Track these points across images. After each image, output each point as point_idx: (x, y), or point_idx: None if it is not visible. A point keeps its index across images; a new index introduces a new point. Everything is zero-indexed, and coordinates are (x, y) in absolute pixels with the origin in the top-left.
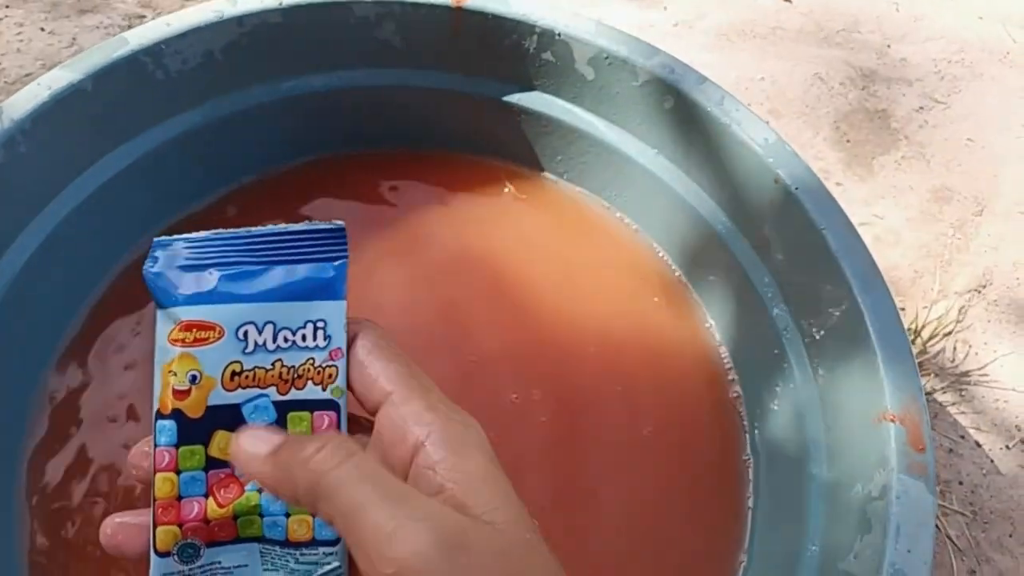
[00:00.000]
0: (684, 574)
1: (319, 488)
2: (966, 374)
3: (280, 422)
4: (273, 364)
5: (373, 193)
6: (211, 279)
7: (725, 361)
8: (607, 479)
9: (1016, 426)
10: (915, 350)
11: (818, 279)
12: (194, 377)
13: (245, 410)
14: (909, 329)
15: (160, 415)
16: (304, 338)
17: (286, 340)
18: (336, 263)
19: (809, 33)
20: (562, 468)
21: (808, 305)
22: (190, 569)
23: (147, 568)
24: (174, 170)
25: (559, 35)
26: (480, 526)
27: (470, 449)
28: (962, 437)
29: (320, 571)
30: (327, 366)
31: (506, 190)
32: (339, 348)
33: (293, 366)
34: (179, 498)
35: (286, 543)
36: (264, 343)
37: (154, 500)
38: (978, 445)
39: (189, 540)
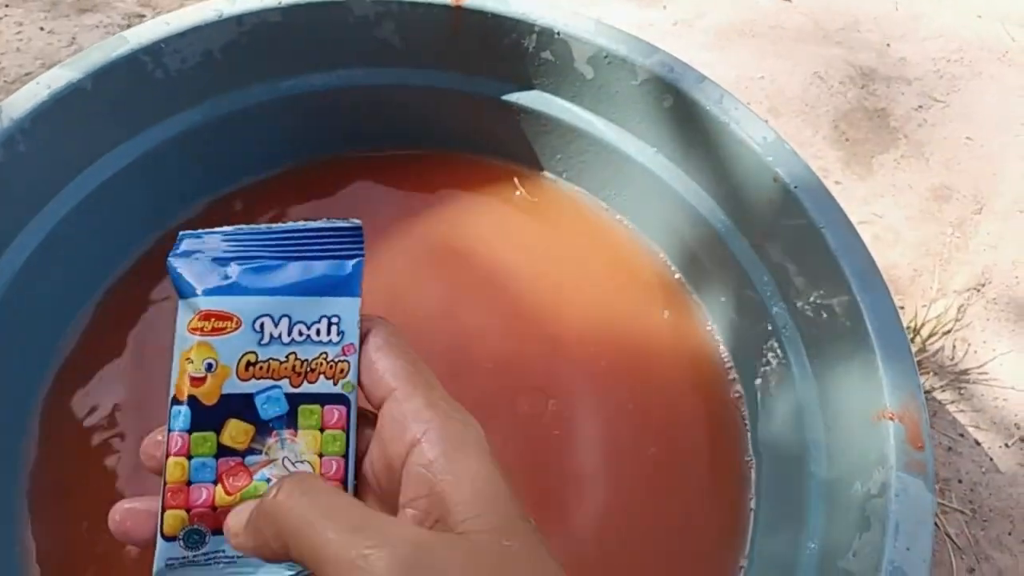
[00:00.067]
0: (685, 574)
1: (283, 532)
2: (965, 372)
3: (292, 414)
4: (287, 357)
5: (372, 193)
6: (232, 272)
7: (725, 361)
8: (607, 480)
9: (1015, 424)
10: (914, 348)
11: (817, 278)
12: (210, 365)
13: (258, 400)
14: (908, 327)
15: (176, 400)
16: (318, 332)
17: (301, 334)
18: (353, 261)
19: (808, 32)
20: (561, 469)
21: (807, 304)
22: (194, 555)
23: (153, 553)
24: (173, 169)
25: (558, 34)
26: (448, 541)
27: (467, 448)
28: (961, 435)
29: None
30: (339, 361)
31: (517, 193)
32: (352, 344)
33: (306, 359)
34: (189, 483)
35: None
36: (279, 336)
37: (164, 484)
38: (977, 443)
39: (195, 526)
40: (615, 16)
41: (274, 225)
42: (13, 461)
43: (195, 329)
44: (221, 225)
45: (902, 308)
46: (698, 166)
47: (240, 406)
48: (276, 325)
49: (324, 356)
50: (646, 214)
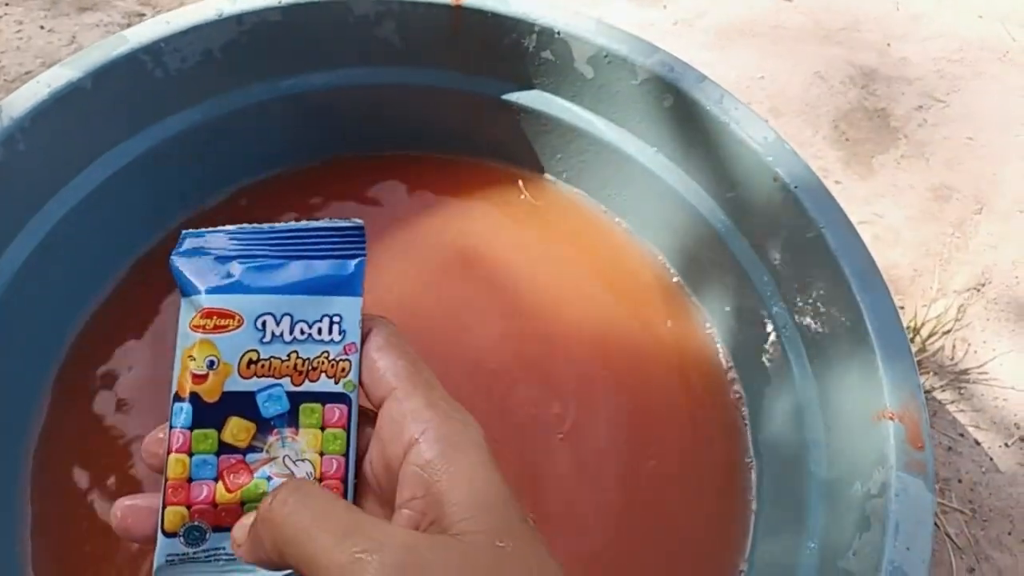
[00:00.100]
0: (685, 575)
1: (279, 540)
2: (965, 372)
3: (293, 412)
4: (289, 355)
5: (372, 193)
6: (234, 270)
7: (725, 362)
8: (607, 480)
9: (1015, 424)
10: (914, 348)
11: (817, 278)
12: (212, 362)
13: (259, 399)
14: (908, 327)
15: (177, 397)
16: (320, 331)
17: (302, 332)
18: (355, 260)
19: (809, 32)
20: (561, 469)
21: (807, 304)
22: (194, 552)
23: (154, 549)
24: (173, 168)
25: (558, 33)
26: (441, 543)
27: (465, 448)
28: (961, 435)
29: None
30: (341, 360)
31: (522, 196)
32: (353, 343)
33: (308, 358)
34: (189, 480)
35: None
36: (281, 334)
37: (165, 480)
38: (977, 443)
39: (196, 523)
40: (615, 16)
41: (277, 224)
42: (15, 460)
43: (197, 327)
44: (222, 224)
45: (902, 308)
46: (698, 166)
47: (241, 404)
48: (278, 324)
49: (326, 355)
50: (646, 214)
